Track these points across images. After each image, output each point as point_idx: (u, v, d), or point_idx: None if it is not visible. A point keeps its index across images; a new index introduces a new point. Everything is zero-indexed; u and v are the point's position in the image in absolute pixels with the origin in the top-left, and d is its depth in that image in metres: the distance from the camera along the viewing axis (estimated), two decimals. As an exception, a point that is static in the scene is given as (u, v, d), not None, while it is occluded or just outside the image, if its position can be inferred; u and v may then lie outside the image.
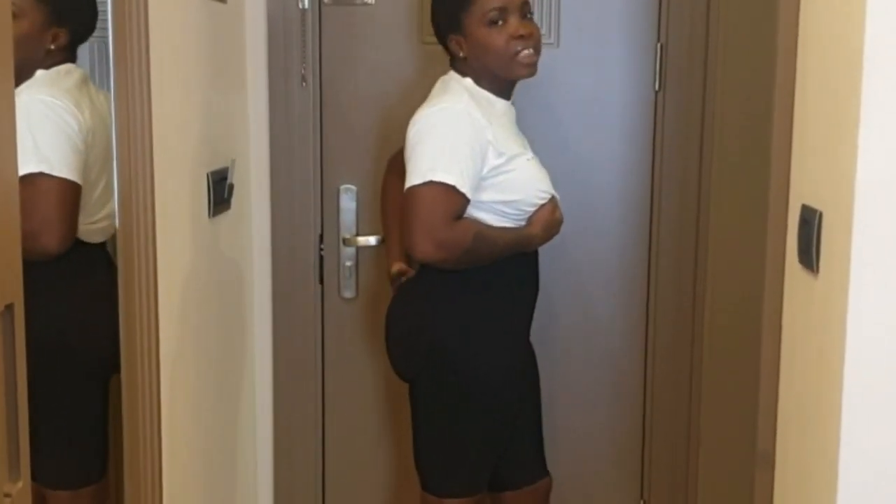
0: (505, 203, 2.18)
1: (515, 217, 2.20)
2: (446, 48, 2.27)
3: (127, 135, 1.78)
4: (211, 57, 2.30)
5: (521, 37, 2.18)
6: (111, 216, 1.83)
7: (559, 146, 2.65)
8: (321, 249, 2.75)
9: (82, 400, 1.88)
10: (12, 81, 1.14)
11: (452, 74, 2.25)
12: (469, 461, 2.30)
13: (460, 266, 2.15)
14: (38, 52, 1.79)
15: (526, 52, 2.19)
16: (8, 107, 1.12)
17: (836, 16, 1.46)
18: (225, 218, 2.40)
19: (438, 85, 2.25)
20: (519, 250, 2.22)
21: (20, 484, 1.14)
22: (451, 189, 2.08)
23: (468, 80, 2.22)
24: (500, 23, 2.18)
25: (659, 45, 2.65)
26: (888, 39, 1.33)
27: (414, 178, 2.10)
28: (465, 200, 2.11)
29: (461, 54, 2.22)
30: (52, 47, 1.80)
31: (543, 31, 2.58)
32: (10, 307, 1.12)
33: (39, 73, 1.78)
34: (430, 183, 2.08)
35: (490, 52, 2.19)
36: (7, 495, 1.13)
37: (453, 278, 2.19)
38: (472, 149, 2.11)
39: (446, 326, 2.22)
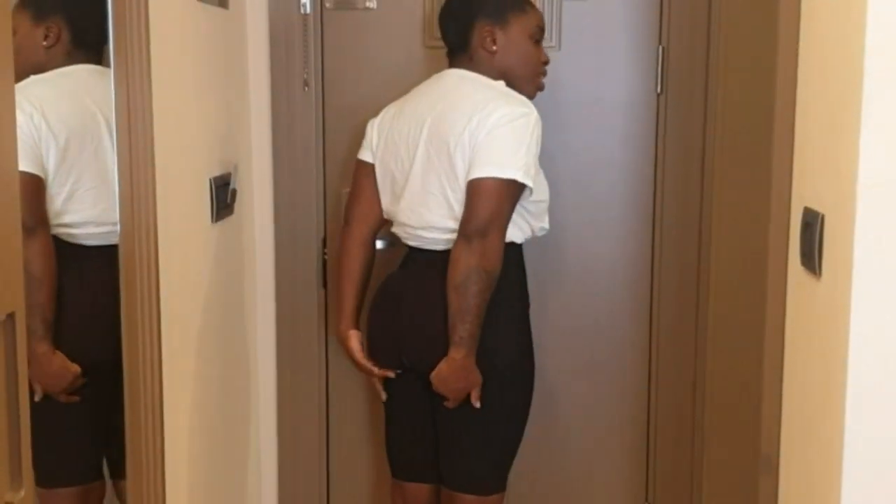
0: (535, 203, 2.27)
1: (532, 214, 2.29)
2: (462, 36, 2.29)
3: (128, 141, 1.78)
4: (213, 62, 2.30)
5: (545, 63, 2.34)
6: (105, 223, 1.83)
7: (561, 149, 2.65)
8: (324, 254, 2.75)
9: (55, 401, 1.85)
10: (13, 85, 1.14)
11: (481, 78, 2.27)
12: (514, 452, 2.39)
13: (472, 274, 2.14)
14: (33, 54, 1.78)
15: (544, 78, 2.35)
16: (9, 117, 1.12)
17: (837, 18, 1.45)
18: (228, 223, 2.40)
19: (480, 87, 2.25)
20: (463, 318, 2.17)
21: (22, 493, 1.14)
22: (524, 191, 2.20)
23: (502, 83, 2.27)
24: (536, 43, 2.32)
25: (660, 48, 2.65)
26: (889, 41, 1.32)
27: (503, 170, 2.14)
28: None
29: (493, 48, 2.27)
30: (45, 44, 1.79)
31: (545, 33, 2.58)
32: (11, 316, 1.12)
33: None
34: (515, 182, 2.15)
35: (524, 63, 2.30)
36: (9, 504, 1.13)
37: None
38: (537, 155, 2.21)
39: (495, 327, 2.24)
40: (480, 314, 2.17)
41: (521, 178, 2.15)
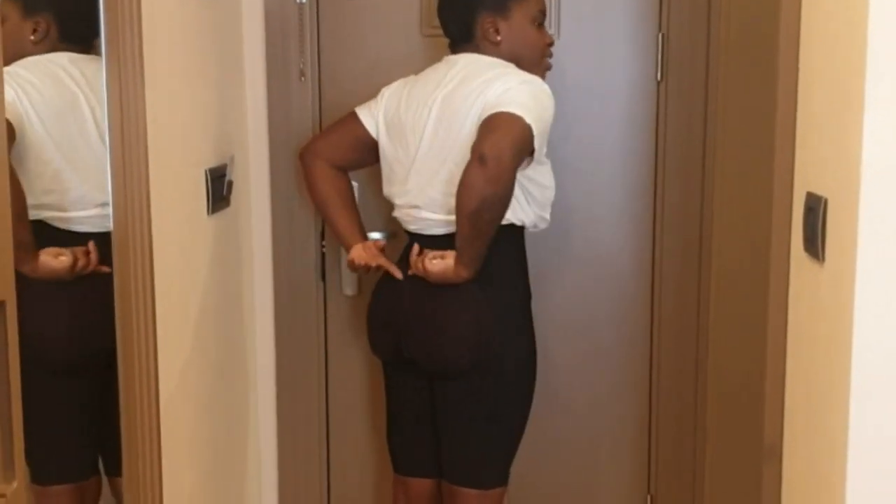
0: (540, 187, 2.26)
1: (538, 203, 2.27)
2: (465, 30, 2.27)
3: (120, 132, 1.76)
4: (208, 51, 2.28)
5: (550, 45, 2.33)
6: (90, 205, 1.81)
7: (561, 137, 2.62)
8: (322, 246, 2.73)
9: (48, 397, 1.83)
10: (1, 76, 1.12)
11: (491, 58, 2.25)
12: (516, 445, 2.39)
13: (486, 203, 2.07)
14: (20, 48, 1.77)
15: (550, 60, 2.34)
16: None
17: (839, 0, 1.44)
18: (224, 215, 2.38)
19: (493, 64, 2.24)
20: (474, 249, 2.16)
21: (15, 484, 1.13)
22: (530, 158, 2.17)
23: (512, 65, 2.26)
24: (539, 26, 2.31)
25: (660, 35, 2.63)
26: (893, 22, 1.31)
27: (522, 111, 2.10)
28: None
29: (498, 38, 2.26)
30: (33, 39, 1.78)
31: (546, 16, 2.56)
32: (1, 305, 1.10)
33: None
34: (531, 128, 2.10)
35: (530, 48, 2.29)
36: (2, 496, 1.12)
37: (496, 269, 2.22)
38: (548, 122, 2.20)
39: (499, 317, 2.24)
40: (491, 236, 2.13)
41: (530, 121, 2.09)
